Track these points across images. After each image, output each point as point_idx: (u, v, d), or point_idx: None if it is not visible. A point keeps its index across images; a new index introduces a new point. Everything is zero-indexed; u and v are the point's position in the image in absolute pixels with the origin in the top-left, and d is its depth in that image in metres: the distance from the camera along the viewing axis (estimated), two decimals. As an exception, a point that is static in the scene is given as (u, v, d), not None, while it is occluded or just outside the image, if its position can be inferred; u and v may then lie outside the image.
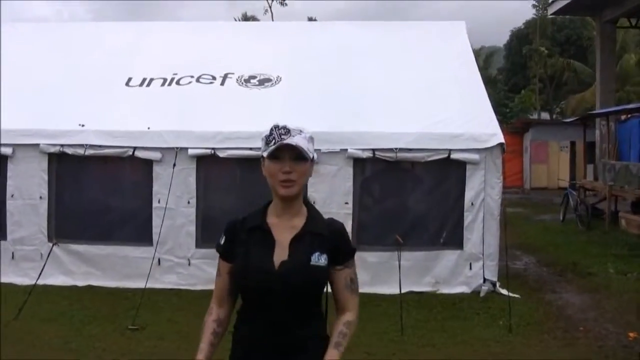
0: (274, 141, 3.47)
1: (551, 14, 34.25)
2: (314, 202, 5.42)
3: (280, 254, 3.54)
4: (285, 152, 3.47)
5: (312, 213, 3.72)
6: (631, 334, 9.75)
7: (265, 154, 3.54)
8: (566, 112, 48.59)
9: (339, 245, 3.65)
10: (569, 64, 48.93)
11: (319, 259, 3.54)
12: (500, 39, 73.11)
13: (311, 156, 3.56)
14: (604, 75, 28.54)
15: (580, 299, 12.02)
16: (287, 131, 3.48)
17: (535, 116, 50.92)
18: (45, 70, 14.32)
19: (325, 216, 3.80)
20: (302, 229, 3.61)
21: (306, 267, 3.51)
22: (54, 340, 9.34)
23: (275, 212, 3.64)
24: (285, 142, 3.44)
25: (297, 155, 3.48)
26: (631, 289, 12.57)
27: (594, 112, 27.71)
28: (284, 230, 3.60)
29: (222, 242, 3.71)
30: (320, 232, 3.62)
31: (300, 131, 3.53)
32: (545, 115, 52.93)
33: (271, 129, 3.52)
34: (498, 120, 13.09)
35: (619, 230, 19.73)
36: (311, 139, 3.58)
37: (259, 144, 3.55)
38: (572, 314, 11.02)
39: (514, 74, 60.61)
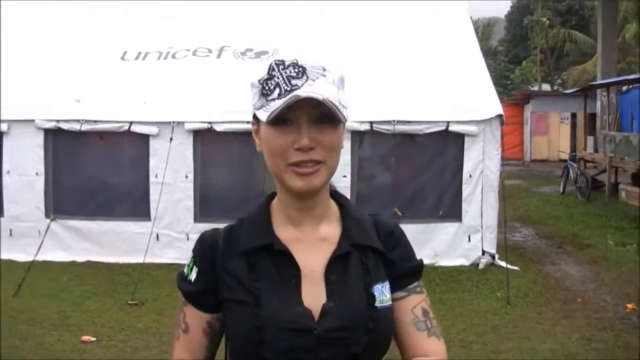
0: (277, 90, 1.98)
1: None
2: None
3: (313, 294, 2.07)
4: (301, 111, 1.98)
5: (349, 211, 2.24)
6: (629, 306, 9.81)
7: (262, 116, 2.00)
8: (567, 83, 48.61)
9: (396, 259, 2.20)
10: (571, 34, 48.82)
11: (384, 294, 2.12)
12: (501, 9, 72.83)
13: (345, 115, 2.03)
14: (606, 46, 28.53)
15: (579, 271, 12.11)
16: (301, 71, 1.99)
17: (536, 88, 50.92)
18: (40, 46, 14.29)
19: None
20: (341, 243, 2.14)
21: (372, 313, 2.06)
22: (54, 316, 9.39)
23: (286, 217, 2.18)
24: (302, 92, 1.94)
25: (321, 114, 2.00)
26: (630, 261, 12.61)
27: (595, 83, 27.73)
28: (309, 248, 2.14)
29: (192, 276, 2.18)
30: (371, 244, 2.17)
31: (324, 70, 2.01)
32: (546, 87, 52.92)
33: (270, 68, 2.02)
34: (498, 92, 13.12)
35: (619, 202, 19.80)
36: (342, 82, 2.08)
37: None
38: (571, 286, 11.11)
39: (514, 45, 60.66)
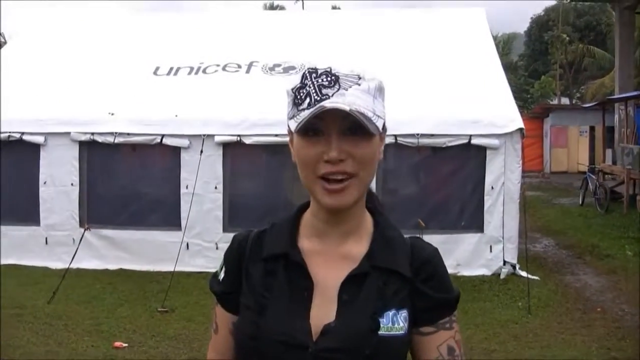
0: (308, 100, 1.90)
1: (571, 0, 34.26)
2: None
3: (322, 311, 2.00)
4: (331, 122, 1.90)
5: (383, 229, 2.13)
6: (647, 315, 9.89)
7: (293, 126, 1.94)
8: (586, 97, 48.48)
9: (427, 291, 2.07)
10: (589, 49, 48.88)
11: (395, 322, 2.00)
12: (520, 25, 72.80)
13: (381, 124, 1.98)
14: (623, 61, 28.58)
15: (598, 281, 12.22)
16: (334, 80, 1.90)
17: (555, 102, 50.89)
18: (75, 61, 14.57)
19: None
20: (362, 262, 2.05)
21: (371, 339, 1.96)
22: (87, 322, 9.60)
23: (313, 229, 2.11)
24: (329, 103, 1.86)
25: (353, 125, 1.90)
26: (648, 271, 12.70)
27: (613, 97, 27.80)
28: (329, 263, 2.06)
29: (221, 275, 2.20)
30: (396, 269, 2.05)
31: (359, 78, 1.92)
32: (565, 101, 52.87)
33: (304, 76, 1.93)
34: (519, 105, 13.26)
35: (637, 213, 19.75)
36: (379, 91, 2.00)
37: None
38: (590, 296, 11.22)
39: (534, 60, 60.45)
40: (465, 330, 9.25)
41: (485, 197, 12.34)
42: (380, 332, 1.96)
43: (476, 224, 12.48)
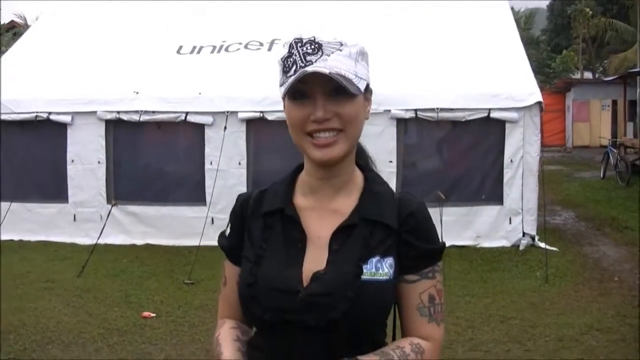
0: (294, 67, 2.08)
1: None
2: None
3: (315, 260, 2.17)
4: (316, 85, 2.08)
5: (372, 185, 2.30)
6: (663, 284, 10.02)
7: (281, 92, 2.16)
8: (609, 71, 48.17)
9: (412, 241, 2.22)
10: (612, 23, 48.48)
11: (379, 268, 2.15)
12: (541, 0, 72.28)
13: (364, 85, 2.14)
14: (645, 34, 28.56)
15: (616, 252, 12.35)
16: (317, 47, 2.07)
17: (577, 76, 50.69)
18: (101, 41, 14.79)
19: None
20: (351, 216, 2.22)
21: (354, 284, 2.11)
22: (116, 294, 9.85)
23: (307, 186, 2.29)
24: (311, 68, 2.04)
25: (336, 87, 2.07)
26: (666, 242, 12.79)
27: (634, 70, 27.72)
28: (321, 217, 2.24)
29: (227, 231, 2.42)
30: (382, 220, 2.21)
31: (341, 44, 2.09)
32: (588, 75, 52.60)
33: (290, 46, 2.11)
34: (541, 80, 13.34)
35: (658, 187, 19.96)
36: (362, 55, 2.15)
37: None
38: (608, 266, 11.34)
39: (556, 34, 60.06)
40: (484, 298, 9.52)
41: (505, 170, 12.46)
42: (363, 277, 2.11)
43: (496, 197, 12.62)
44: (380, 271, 2.15)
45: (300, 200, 2.28)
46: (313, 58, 2.06)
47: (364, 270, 2.12)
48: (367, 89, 2.21)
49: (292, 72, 2.07)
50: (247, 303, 2.19)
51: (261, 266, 2.19)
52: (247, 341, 2.32)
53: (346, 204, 2.24)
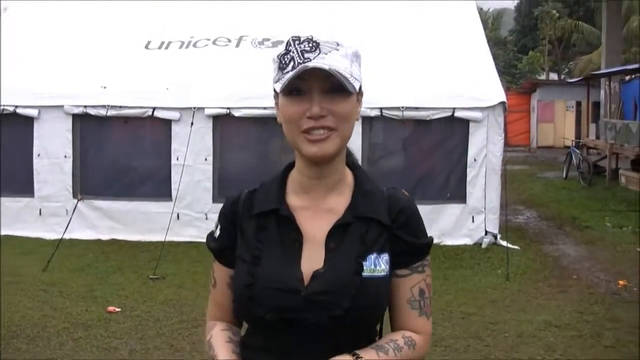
0: (292, 64, 2.11)
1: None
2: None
3: (312, 259, 2.20)
4: (313, 82, 2.12)
5: (362, 183, 2.33)
6: (621, 282, 10.25)
7: (278, 88, 2.16)
8: (574, 73, 48.64)
9: (403, 236, 2.28)
10: (577, 25, 48.97)
11: (377, 265, 2.21)
12: (510, 1, 72.79)
13: (358, 86, 2.19)
14: (610, 37, 28.83)
15: (576, 250, 12.55)
16: (315, 45, 2.11)
17: (543, 77, 51.09)
18: (68, 35, 14.68)
19: None
20: (345, 213, 2.26)
21: (355, 281, 2.16)
22: (81, 289, 9.84)
23: (299, 185, 2.31)
24: (311, 64, 2.08)
25: (333, 85, 2.12)
26: (625, 241, 13.08)
27: (597, 72, 28.11)
28: (315, 216, 2.27)
29: (217, 232, 2.41)
30: (376, 217, 2.26)
31: (337, 44, 2.15)
32: (553, 76, 53.03)
33: (287, 43, 2.15)
34: (507, 81, 13.49)
35: (619, 187, 20.22)
36: (356, 57, 2.21)
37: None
38: (568, 264, 11.53)
39: (523, 35, 60.47)
40: (446, 295, 9.60)
41: (468, 169, 12.62)
42: (363, 274, 2.16)
43: (459, 195, 12.77)
44: (378, 267, 2.20)
45: (293, 199, 2.29)
46: (311, 55, 2.09)
47: (364, 267, 2.18)
48: (360, 91, 2.25)
49: (289, 68, 2.10)
50: (246, 304, 2.21)
51: (259, 267, 2.20)
52: (239, 341, 2.35)
53: (339, 202, 2.27)
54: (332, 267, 2.17)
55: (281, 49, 2.15)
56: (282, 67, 2.13)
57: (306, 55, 2.09)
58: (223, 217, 2.38)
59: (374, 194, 2.31)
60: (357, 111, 2.25)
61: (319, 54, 2.10)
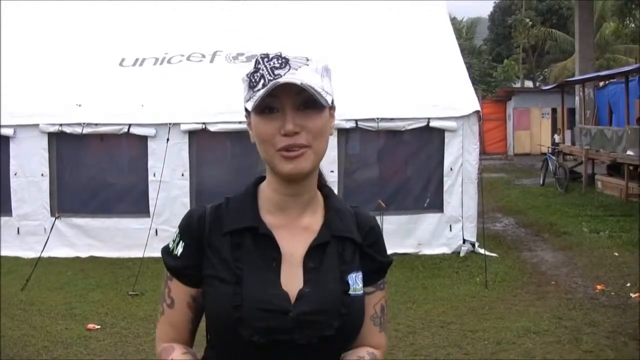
0: (262, 81, 2.07)
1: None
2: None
3: (291, 279, 2.16)
4: (285, 99, 2.07)
5: (333, 201, 2.31)
6: (598, 287, 10.35)
7: (250, 106, 2.12)
8: (549, 80, 48.93)
9: (373, 254, 2.30)
10: (551, 33, 49.33)
11: (357, 283, 2.21)
12: (484, 9, 73.26)
13: (330, 100, 2.14)
14: (583, 44, 29.08)
15: (554, 257, 12.65)
16: (284, 62, 2.07)
17: (518, 85, 51.37)
18: (41, 53, 14.64)
19: None
20: (321, 232, 2.23)
21: (344, 300, 2.15)
22: (60, 307, 9.80)
23: (273, 203, 2.24)
24: (282, 79, 2.03)
25: (305, 100, 2.08)
26: (602, 246, 13.21)
27: (571, 79, 28.30)
28: (292, 234, 2.22)
29: (178, 249, 2.25)
30: (350, 236, 2.25)
31: (307, 59, 2.11)
32: (528, 84, 53.31)
33: (256, 61, 2.10)
34: (483, 89, 13.60)
35: (595, 192, 20.38)
36: (326, 71, 2.17)
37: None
38: (546, 270, 11.63)
39: (497, 44, 60.72)
40: (425, 304, 9.68)
41: (445, 178, 12.67)
42: (350, 293, 2.16)
43: (436, 204, 12.83)
44: (357, 286, 2.19)
45: (268, 218, 2.21)
46: (282, 72, 2.04)
47: (350, 285, 2.17)
48: (332, 105, 2.19)
49: (260, 86, 2.05)
50: (232, 325, 2.09)
51: (242, 287, 2.11)
52: None
53: (314, 220, 2.24)
54: (318, 286, 2.14)
55: (250, 67, 2.11)
56: (252, 86, 2.08)
57: (276, 71, 2.05)
58: (187, 234, 2.25)
59: (344, 212, 2.29)
60: (330, 126, 2.20)
61: (289, 69, 2.05)
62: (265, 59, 2.07)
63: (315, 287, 2.13)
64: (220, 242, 2.19)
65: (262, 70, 2.07)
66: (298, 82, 2.02)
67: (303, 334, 2.08)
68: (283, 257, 2.17)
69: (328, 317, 2.10)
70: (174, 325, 2.26)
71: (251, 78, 2.09)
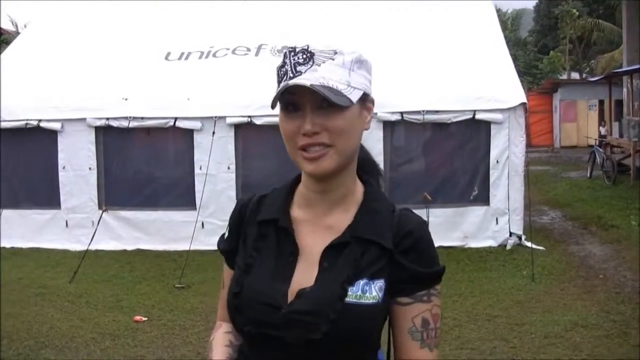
0: (285, 78, 2.03)
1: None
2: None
3: (304, 276, 2.11)
4: (305, 97, 2.00)
5: (370, 201, 2.20)
6: (648, 281, 10.17)
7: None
8: (596, 71, 48.32)
9: (405, 263, 2.11)
10: (598, 24, 48.75)
11: (366, 291, 2.06)
12: (529, 1, 72.57)
13: (357, 95, 2.05)
14: (630, 35, 28.59)
15: (602, 250, 12.47)
16: (309, 56, 2.02)
17: (564, 77, 50.86)
18: (88, 47, 14.80)
19: None
20: (344, 233, 2.13)
21: (336, 305, 2.03)
22: (108, 299, 9.92)
23: (303, 199, 2.21)
24: (292, 81, 1.99)
25: (323, 99, 1.98)
26: (651, 240, 12.95)
27: (618, 70, 27.89)
28: (315, 231, 2.17)
29: (226, 234, 2.36)
30: (376, 240, 2.11)
31: (334, 53, 2.03)
32: (575, 76, 52.78)
33: (284, 55, 2.06)
34: (528, 81, 13.46)
35: (643, 185, 20.14)
36: (358, 64, 2.08)
37: None
38: (593, 264, 11.47)
39: (543, 35, 60.15)
40: (471, 297, 9.62)
41: (491, 171, 12.59)
42: (347, 300, 2.02)
43: (482, 197, 12.76)
44: (368, 294, 2.05)
45: (297, 212, 2.19)
46: (303, 68, 1.99)
47: (349, 293, 2.04)
48: (367, 98, 2.12)
49: (283, 82, 2.01)
50: (231, 312, 2.16)
51: (249, 276, 2.13)
52: (239, 346, 2.27)
53: (341, 220, 2.15)
54: (320, 287, 2.07)
55: (280, 60, 2.09)
56: (279, 81, 2.06)
57: (298, 68, 2.00)
58: (232, 220, 2.33)
59: (380, 213, 2.18)
60: (362, 121, 2.12)
61: (311, 66, 2.00)
62: (292, 53, 2.04)
63: (318, 287, 2.07)
64: (252, 230, 2.23)
65: (287, 65, 2.03)
66: (308, 83, 1.95)
67: (292, 332, 2.03)
68: (301, 253, 2.14)
69: (317, 320, 2.01)
70: (224, 305, 2.28)
71: (279, 72, 2.07)
